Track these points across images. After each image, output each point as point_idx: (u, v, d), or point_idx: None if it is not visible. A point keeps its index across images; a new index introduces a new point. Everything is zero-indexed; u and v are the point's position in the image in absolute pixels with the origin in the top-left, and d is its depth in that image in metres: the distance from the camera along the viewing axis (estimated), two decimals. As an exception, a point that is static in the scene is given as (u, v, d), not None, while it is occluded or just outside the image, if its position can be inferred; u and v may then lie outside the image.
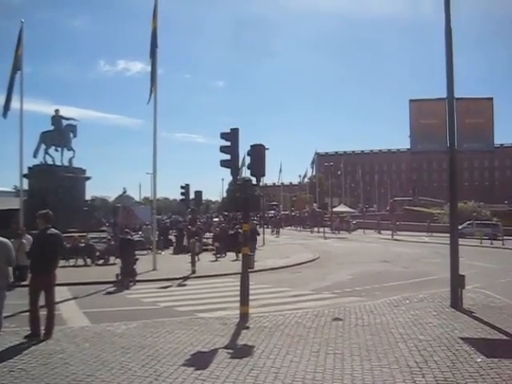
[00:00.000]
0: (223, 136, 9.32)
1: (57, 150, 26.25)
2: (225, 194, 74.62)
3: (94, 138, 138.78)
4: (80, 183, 26.60)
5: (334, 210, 48.83)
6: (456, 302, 8.94)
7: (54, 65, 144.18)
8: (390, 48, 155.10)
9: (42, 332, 6.94)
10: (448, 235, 10.00)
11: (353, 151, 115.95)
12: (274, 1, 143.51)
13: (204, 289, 12.90)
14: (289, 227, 48.62)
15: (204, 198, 29.34)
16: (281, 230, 40.98)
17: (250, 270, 9.04)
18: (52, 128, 26.30)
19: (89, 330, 7.60)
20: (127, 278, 13.71)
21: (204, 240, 24.33)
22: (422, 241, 31.02)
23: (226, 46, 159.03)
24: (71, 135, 26.58)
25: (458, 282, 9.03)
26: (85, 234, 20.49)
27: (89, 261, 18.77)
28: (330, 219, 45.27)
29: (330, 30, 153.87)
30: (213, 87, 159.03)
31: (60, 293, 10.04)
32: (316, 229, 42.17)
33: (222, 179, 64.67)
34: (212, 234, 26.43)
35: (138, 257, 15.33)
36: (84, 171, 26.97)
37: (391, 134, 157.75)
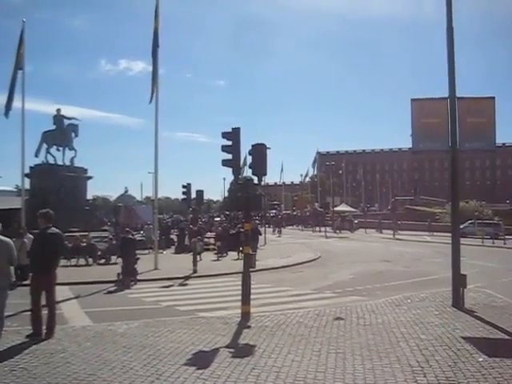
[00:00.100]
0: (225, 135, 9.31)
1: (58, 150, 26.30)
2: (226, 194, 74.47)
3: (96, 138, 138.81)
4: (82, 183, 26.64)
5: (336, 209, 48.76)
6: (457, 302, 8.93)
7: (56, 64, 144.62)
8: (390, 48, 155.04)
9: (44, 331, 6.96)
10: (449, 234, 9.99)
11: (354, 150, 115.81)
12: (274, 1, 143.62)
13: (205, 288, 12.91)
14: (290, 227, 48.59)
15: (205, 197, 29.41)
16: (282, 229, 40.97)
17: (251, 269, 9.02)
18: (54, 127, 26.36)
19: (90, 330, 7.61)
20: (128, 278, 13.73)
21: (205, 239, 24.35)
22: (424, 240, 30.99)
23: (226, 46, 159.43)
24: (73, 135, 26.63)
25: (459, 282, 9.02)
26: (86, 233, 20.49)
27: (90, 260, 18.79)
28: (331, 218, 45.24)
29: (330, 30, 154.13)
30: (214, 87, 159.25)
31: (61, 292, 10.07)
32: (317, 228, 42.17)
33: (224, 178, 64.57)
34: (213, 234, 26.44)
35: (139, 256, 15.35)
36: (86, 171, 27.02)
37: (392, 133, 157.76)
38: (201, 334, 7.20)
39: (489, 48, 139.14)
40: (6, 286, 6.36)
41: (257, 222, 30.30)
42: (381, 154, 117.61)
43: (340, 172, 67.61)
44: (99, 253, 19.34)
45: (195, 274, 15.45)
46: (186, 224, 28.72)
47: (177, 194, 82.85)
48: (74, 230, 20.66)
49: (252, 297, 8.66)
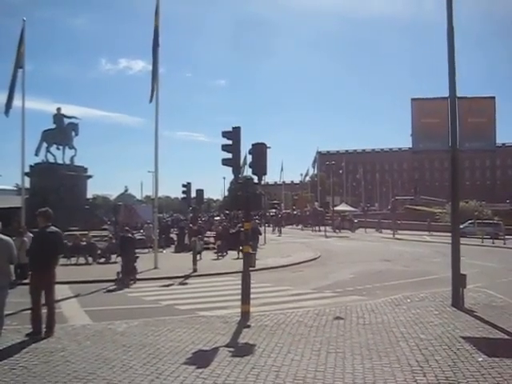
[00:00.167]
0: (225, 134, 9.31)
1: (58, 149, 26.27)
2: (226, 193, 74.51)
3: (96, 137, 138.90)
4: (81, 181, 26.63)
5: (336, 208, 48.77)
6: (457, 302, 8.93)
7: (56, 63, 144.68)
8: (390, 48, 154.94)
9: (44, 330, 6.96)
10: (449, 234, 9.99)
11: (354, 150, 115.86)
12: (274, 0, 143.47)
13: (205, 287, 12.91)
14: (290, 226, 48.60)
15: (205, 196, 29.37)
16: (282, 228, 40.98)
17: (251, 268, 9.02)
18: (54, 126, 26.33)
19: (90, 328, 7.61)
20: (128, 277, 13.73)
21: (205, 238, 24.36)
22: (424, 240, 30.99)
23: (226, 46, 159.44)
24: (73, 133, 26.61)
25: (459, 282, 9.02)
26: (86, 232, 20.49)
27: (90, 259, 18.78)
28: (331, 218, 45.25)
29: (330, 30, 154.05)
30: (214, 86, 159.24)
31: (61, 291, 10.07)
32: (317, 227, 42.17)
33: (224, 178, 64.53)
34: (213, 233, 26.45)
35: (138, 255, 15.36)
36: (85, 169, 27.00)
37: (392, 133, 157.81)
38: (200, 333, 7.20)
39: (489, 48, 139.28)
40: (5, 284, 6.36)
41: (257, 221, 30.30)
42: (381, 154, 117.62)
43: (340, 171, 67.65)
44: (99, 252, 19.33)
45: (195, 273, 15.45)
46: (185, 223, 28.71)
47: (177, 193, 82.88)
48: (74, 228, 20.65)
49: (252, 296, 8.66)
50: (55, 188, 23.73)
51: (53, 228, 7.27)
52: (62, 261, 9.45)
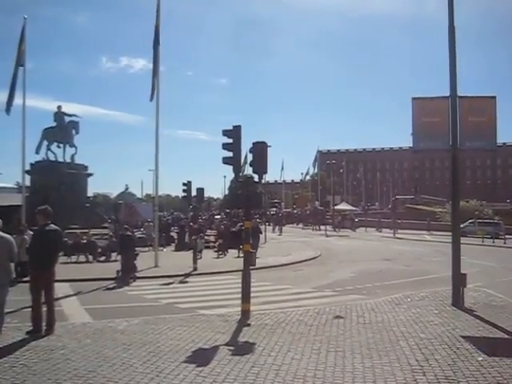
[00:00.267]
0: (225, 133, 9.29)
1: (59, 147, 26.33)
2: (227, 192, 74.46)
3: (97, 135, 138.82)
4: (82, 180, 26.68)
5: (336, 207, 48.75)
6: (457, 301, 8.94)
7: (57, 61, 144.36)
8: (390, 47, 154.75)
9: (44, 328, 6.97)
10: (449, 233, 9.99)
11: (355, 149, 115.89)
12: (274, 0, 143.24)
13: (205, 286, 12.92)
14: (290, 225, 48.59)
15: (206, 195, 29.44)
16: (282, 227, 40.98)
17: (251, 267, 9.02)
18: (54, 124, 26.39)
19: (90, 327, 7.62)
20: (128, 275, 13.74)
21: (206, 237, 24.36)
22: (424, 239, 30.98)
23: (227, 44, 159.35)
24: (73, 132, 26.66)
25: (459, 281, 9.02)
26: (87, 230, 20.51)
27: (90, 257, 18.80)
28: (331, 217, 45.24)
29: (330, 29, 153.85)
30: (215, 85, 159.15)
31: (61, 289, 10.10)
32: (318, 226, 42.16)
33: (224, 176, 64.55)
34: (214, 232, 26.45)
35: (138, 253, 15.37)
36: (86, 168, 27.05)
37: (393, 132, 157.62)
38: (201, 332, 7.20)
39: (489, 47, 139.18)
40: (6, 282, 6.37)
41: (257, 220, 30.29)
42: (381, 153, 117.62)
43: (341, 171, 67.61)
44: (99, 250, 19.36)
45: (195, 272, 15.46)
46: (186, 221, 28.73)
47: (177, 191, 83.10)
48: (75, 227, 20.71)
49: (252, 295, 8.66)
50: (56, 186, 23.79)
51: (52, 226, 7.26)
52: (62, 259, 9.47)
